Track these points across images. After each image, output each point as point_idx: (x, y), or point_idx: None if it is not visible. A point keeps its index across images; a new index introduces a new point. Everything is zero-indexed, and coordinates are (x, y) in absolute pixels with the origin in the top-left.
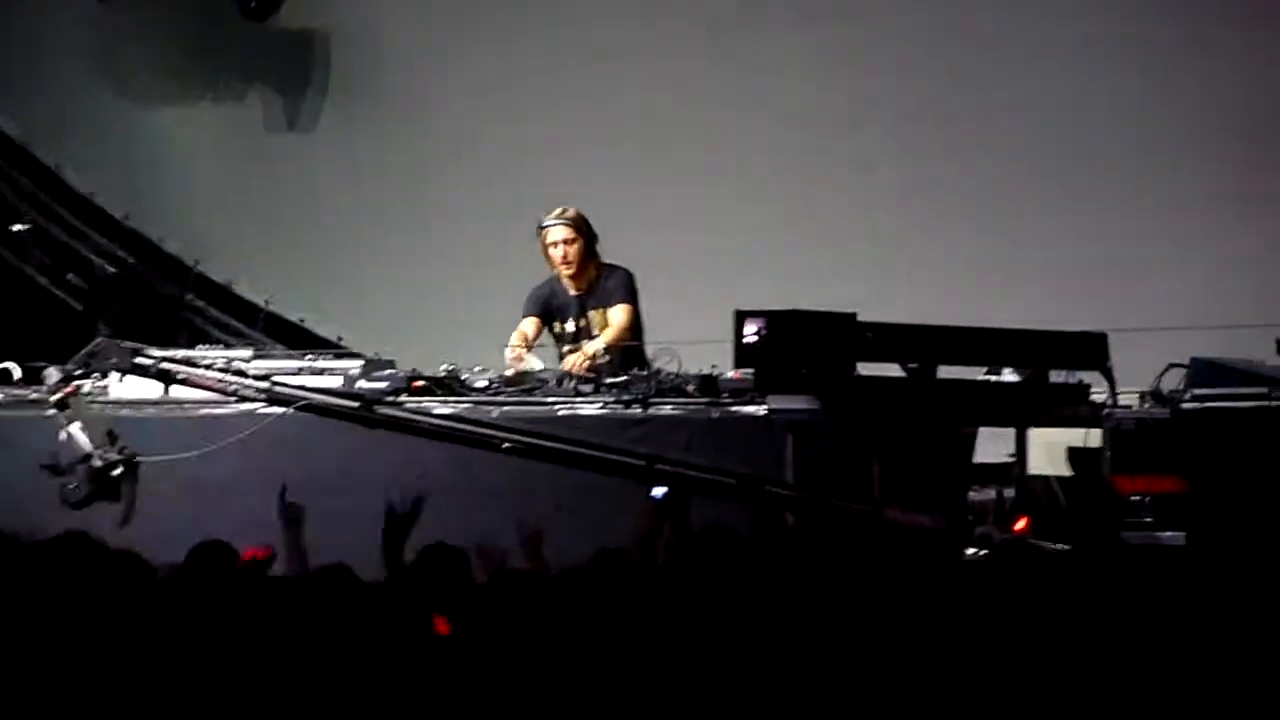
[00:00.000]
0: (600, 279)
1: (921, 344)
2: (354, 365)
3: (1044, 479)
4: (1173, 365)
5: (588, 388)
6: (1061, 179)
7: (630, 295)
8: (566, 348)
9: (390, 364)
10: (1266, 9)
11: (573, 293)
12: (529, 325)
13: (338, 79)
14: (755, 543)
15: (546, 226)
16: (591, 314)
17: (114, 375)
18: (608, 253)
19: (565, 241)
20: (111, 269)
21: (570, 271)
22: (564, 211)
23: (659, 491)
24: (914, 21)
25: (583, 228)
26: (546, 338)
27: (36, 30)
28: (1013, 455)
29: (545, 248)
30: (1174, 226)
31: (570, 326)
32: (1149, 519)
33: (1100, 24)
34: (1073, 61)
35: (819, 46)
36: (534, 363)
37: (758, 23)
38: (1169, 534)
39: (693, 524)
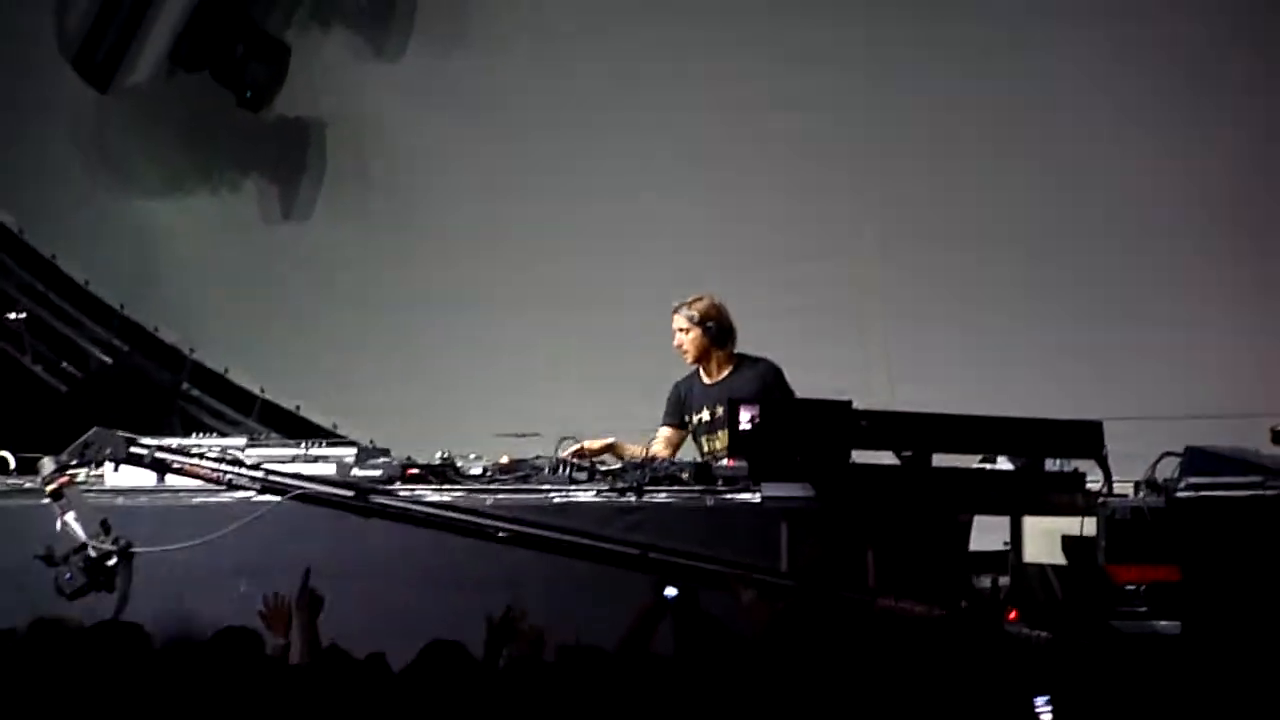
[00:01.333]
0: (737, 370)
1: (916, 432)
2: (348, 453)
3: (1039, 568)
4: (1167, 454)
5: (582, 475)
6: (1059, 266)
7: (770, 388)
8: (703, 436)
9: (384, 452)
10: (1264, 106)
11: (706, 382)
12: (662, 436)
13: (332, 168)
14: (750, 632)
15: (672, 313)
16: (732, 402)
17: (109, 465)
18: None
19: (680, 330)
20: (107, 358)
21: (688, 360)
22: (692, 301)
23: (671, 592)
24: (906, 117)
25: (703, 320)
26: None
27: (35, 121)
28: (1008, 544)
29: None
30: (1169, 315)
31: (705, 415)
32: (1144, 608)
33: (1103, 110)
34: (1070, 148)
35: (802, 132)
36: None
37: (744, 107)
38: (1164, 623)
39: (688, 613)
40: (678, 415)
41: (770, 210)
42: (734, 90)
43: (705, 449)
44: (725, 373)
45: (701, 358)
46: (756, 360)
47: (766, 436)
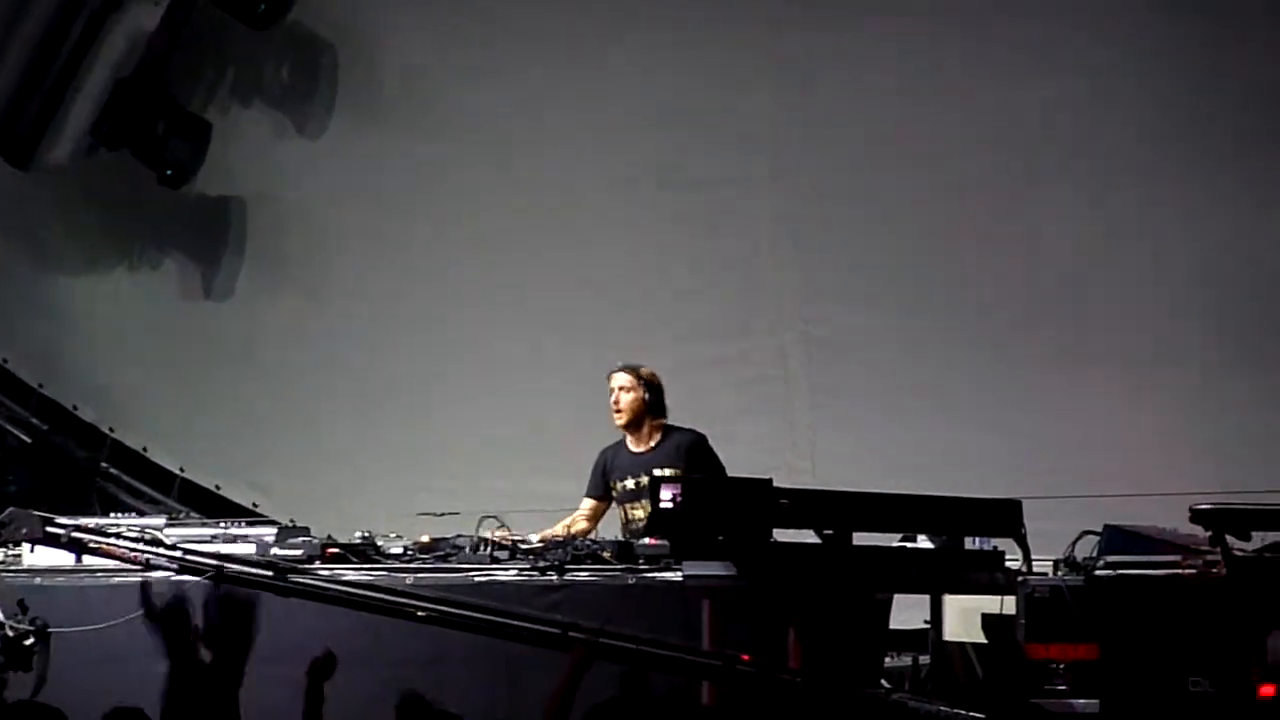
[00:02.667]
0: (665, 439)
1: (837, 510)
2: (268, 533)
3: (960, 646)
4: (1086, 533)
5: (503, 554)
6: (979, 344)
7: (697, 459)
8: (629, 503)
9: (304, 531)
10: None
11: (633, 449)
12: (585, 508)
13: (253, 247)
14: (671, 711)
15: (611, 372)
16: (656, 473)
17: (26, 544)
18: None
19: (622, 389)
20: (25, 437)
21: (621, 420)
22: (635, 365)
23: None
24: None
25: (644, 382)
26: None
27: None
28: (928, 622)
29: (610, 394)
30: (1087, 395)
31: (630, 484)
32: (1063, 686)
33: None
34: (989, 223)
35: (721, 206)
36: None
37: (662, 183)
38: (1083, 701)
39: (607, 693)
40: (602, 485)
41: (691, 287)
42: (653, 166)
43: (629, 516)
44: (654, 441)
45: (635, 422)
46: (685, 430)
47: (688, 514)
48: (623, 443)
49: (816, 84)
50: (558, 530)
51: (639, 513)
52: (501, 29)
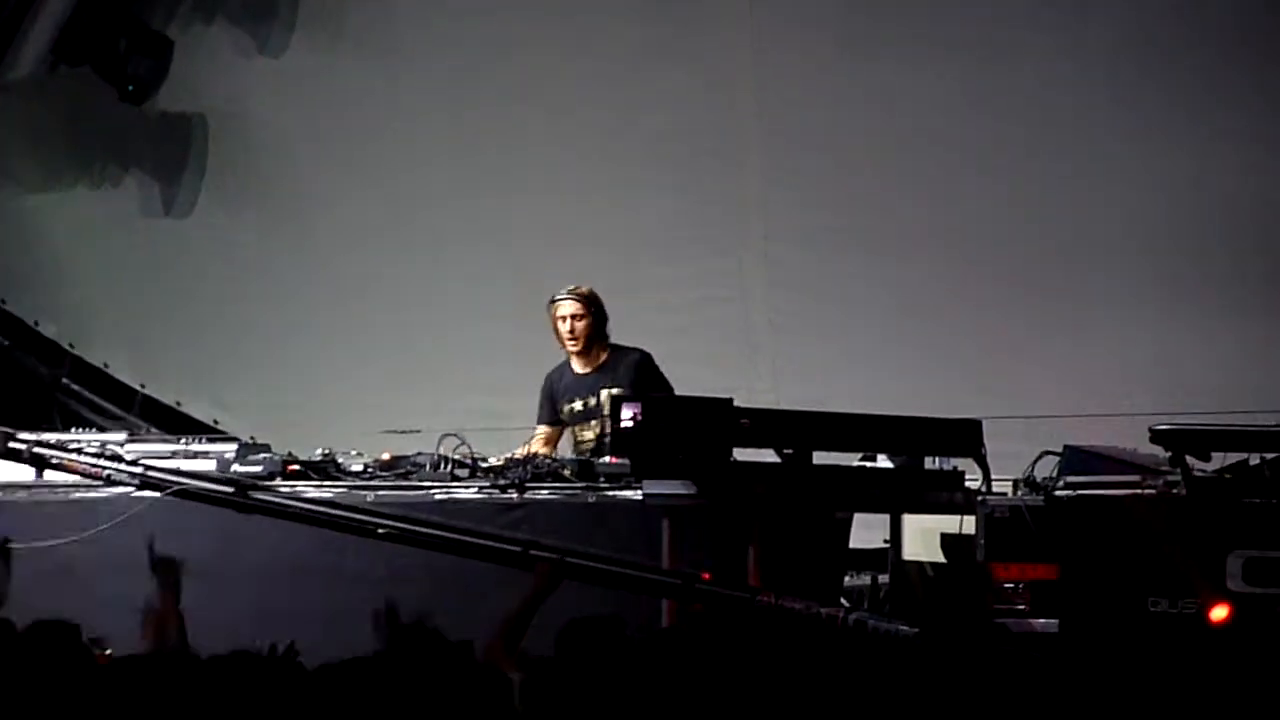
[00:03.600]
0: (611, 359)
1: (797, 430)
2: (229, 449)
3: (919, 565)
4: (1046, 453)
5: (464, 472)
6: (938, 264)
7: (644, 377)
8: (578, 425)
9: (265, 448)
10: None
11: (579, 371)
12: (540, 435)
13: (214, 164)
14: (631, 628)
15: (557, 300)
16: (603, 393)
17: None
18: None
19: (574, 316)
20: None
21: (576, 347)
22: (576, 288)
23: None
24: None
25: (593, 305)
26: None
27: None
28: (888, 541)
29: (554, 322)
30: (1048, 314)
31: (578, 405)
32: (1022, 606)
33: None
34: (948, 150)
35: (686, 128)
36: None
37: (628, 104)
38: (1042, 621)
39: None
40: (551, 410)
41: (654, 207)
42: (617, 86)
43: (578, 438)
44: (600, 360)
45: (589, 343)
46: (630, 350)
47: (648, 434)
48: (567, 364)
49: (791, 18)
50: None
51: (588, 434)
52: None
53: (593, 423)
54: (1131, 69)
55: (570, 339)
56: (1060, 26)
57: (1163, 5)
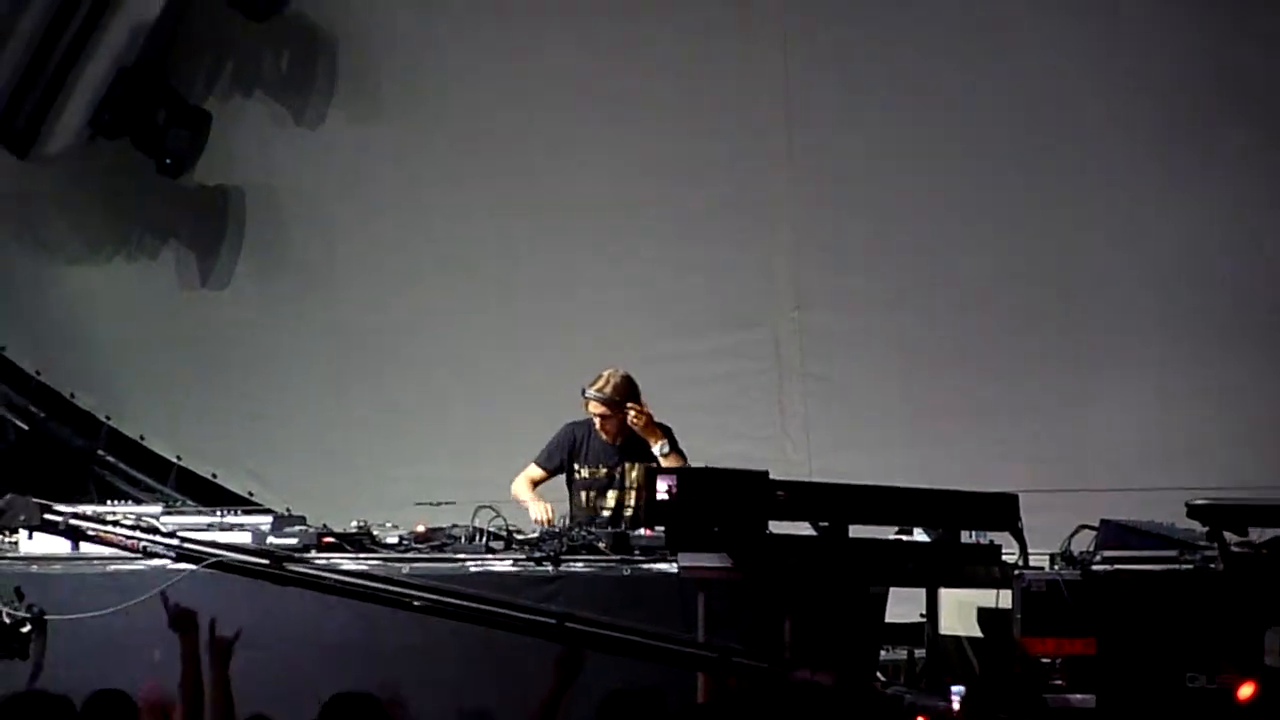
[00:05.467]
0: (638, 434)
1: (833, 503)
2: (264, 521)
3: (956, 640)
4: (1083, 527)
5: (498, 544)
6: (977, 338)
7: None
8: (593, 490)
9: (300, 520)
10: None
11: (606, 440)
12: (526, 475)
13: (250, 236)
14: (671, 700)
15: (586, 397)
16: (627, 465)
17: (23, 532)
18: None
19: (602, 418)
20: (23, 425)
21: (609, 439)
22: (604, 385)
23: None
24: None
25: (618, 404)
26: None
27: None
28: (924, 615)
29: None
30: (1087, 389)
31: (602, 472)
32: (1059, 681)
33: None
34: (988, 219)
35: (720, 201)
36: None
37: (663, 175)
38: (1079, 696)
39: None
40: (560, 461)
41: (690, 281)
42: (649, 159)
43: (586, 503)
44: (629, 434)
45: (621, 433)
46: (657, 425)
47: (684, 507)
48: (594, 426)
49: (818, 82)
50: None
51: (607, 502)
52: (501, 22)
53: (609, 494)
54: (1184, 152)
55: (605, 432)
56: (1112, 108)
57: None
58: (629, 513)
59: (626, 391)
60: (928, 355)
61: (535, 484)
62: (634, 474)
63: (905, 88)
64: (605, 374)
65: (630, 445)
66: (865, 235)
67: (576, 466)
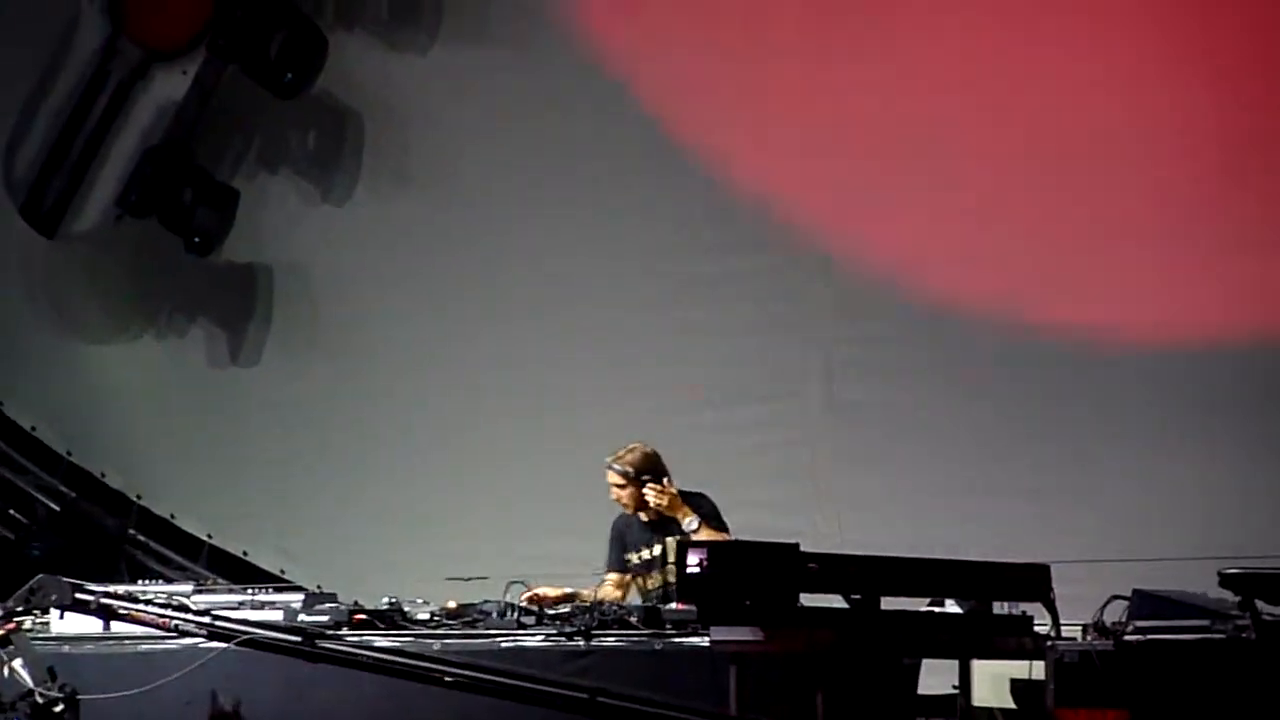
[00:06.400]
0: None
1: (864, 575)
2: (296, 599)
3: (988, 712)
4: (1115, 597)
5: (530, 620)
6: (1006, 407)
7: (709, 520)
8: (641, 575)
9: (331, 597)
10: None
11: (644, 519)
12: (609, 581)
13: (280, 312)
14: None
15: (606, 466)
16: (668, 540)
17: (55, 611)
18: None
19: (617, 486)
20: (53, 505)
21: (629, 511)
22: (623, 455)
23: None
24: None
25: (638, 474)
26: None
27: None
28: (956, 687)
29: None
30: (1117, 459)
31: (644, 555)
32: None
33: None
34: (1018, 286)
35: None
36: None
37: (690, 250)
38: None
39: None
40: (620, 557)
41: (718, 352)
42: (678, 236)
43: (645, 586)
44: (662, 509)
45: (640, 507)
46: (693, 495)
47: (714, 580)
48: (629, 513)
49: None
50: (586, 595)
51: (652, 584)
52: (528, 100)
53: (654, 574)
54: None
55: (620, 503)
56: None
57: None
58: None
59: (646, 466)
60: (959, 427)
61: (618, 586)
62: (671, 550)
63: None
64: (629, 447)
65: (664, 523)
66: (898, 307)
67: (628, 557)
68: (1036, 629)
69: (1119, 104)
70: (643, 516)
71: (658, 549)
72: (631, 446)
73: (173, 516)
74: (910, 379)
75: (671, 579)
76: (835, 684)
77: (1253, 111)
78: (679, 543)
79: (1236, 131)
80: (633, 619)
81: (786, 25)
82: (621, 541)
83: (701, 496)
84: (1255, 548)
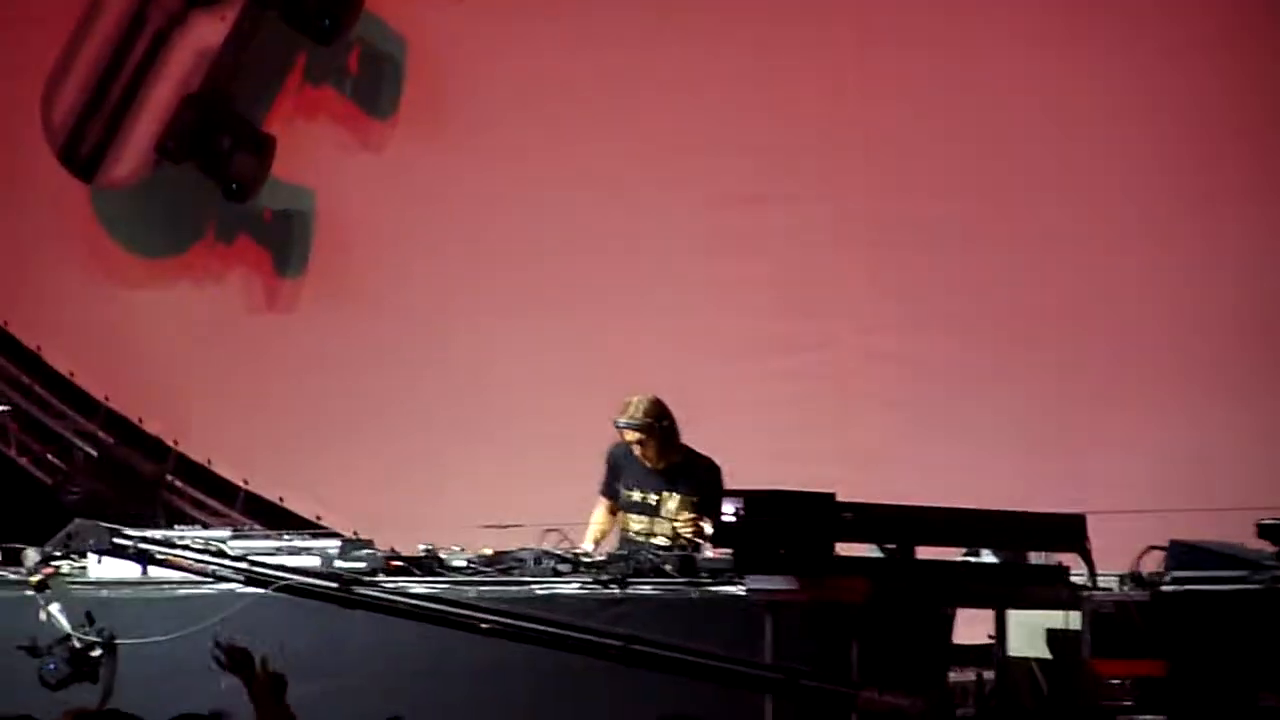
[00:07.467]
0: (682, 462)
1: (900, 525)
2: (332, 545)
3: (1024, 661)
4: (1152, 547)
5: (566, 567)
6: (1043, 355)
7: (710, 490)
8: (633, 514)
9: (368, 543)
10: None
11: (649, 466)
12: (603, 509)
13: (316, 259)
14: None
15: (620, 428)
16: (665, 494)
17: (92, 556)
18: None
19: (639, 443)
20: (91, 450)
21: (650, 465)
22: (634, 411)
23: None
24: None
25: (653, 425)
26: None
27: (19, 212)
28: (992, 637)
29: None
30: (1154, 407)
31: (637, 496)
32: (1129, 702)
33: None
34: (1054, 235)
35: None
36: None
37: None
38: (1149, 718)
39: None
40: (613, 485)
41: (752, 302)
42: (714, 184)
43: (632, 527)
44: (671, 460)
45: (661, 456)
46: (701, 457)
47: (751, 529)
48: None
49: (879, 98)
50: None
51: (638, 526)
52: (569, 46)
53: (654, 520)
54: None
55: (644, 459)
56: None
57: None
58: (657, 541)
59: (657, 411)
60: (993, 377)
61: (613, 512)
62: (670, 505)
63: (977, 123)
64: (632, 400)
65: (673, 472)
66: (931, 259)
67: (622, 489)
68: (1072, 579)
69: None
70: (648, 464)
71: (653, 497)
72: (631, 400)
73: (209, 462)
74: (944, 332)
75: (655, 530)
76: (870, 633)
77: None
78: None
79: None
80: (668, 567)
81: None
82: (616, 470)
83: (711, 466)
84: None
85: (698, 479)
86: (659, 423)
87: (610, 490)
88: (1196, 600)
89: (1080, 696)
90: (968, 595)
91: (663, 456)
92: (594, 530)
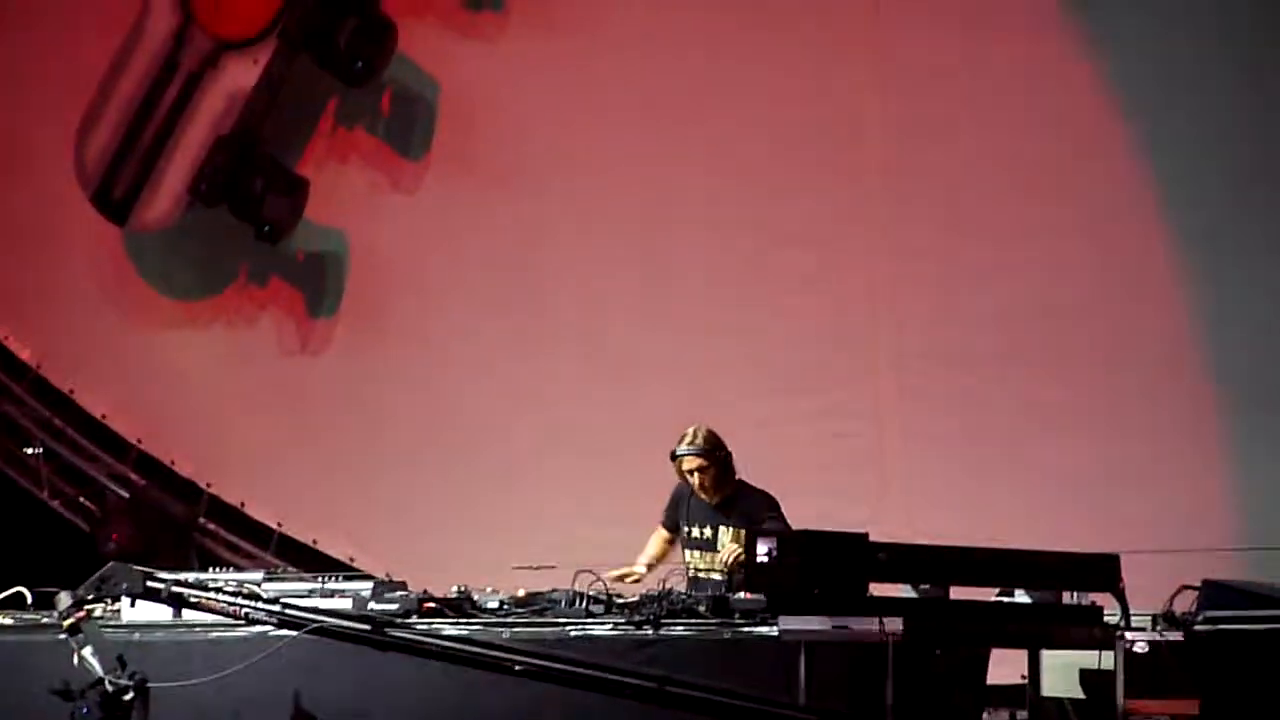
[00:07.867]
0: (738, 496)
1: (934, 565)
2: (365, 587)
3: (1058, 702)
4: (1185, 587)
5: (599, 608)
6: (1080, 395)
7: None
8: (693, 552)
9: (401, 585)
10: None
11: (705, 500)
12: (660, 537)
13: (349, 301)
14: None
15: (679, 456)
16: (722, 529)
17: (125, 599)
18: None
19: (700, 470)
20: (123, 493)
21: (709, 498)
22: (693, 439)
23: None
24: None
25: (713, 453)
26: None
27: (54, 255)
28: (1025, 677)
29: (681, 474)
30: (1186, 447)
31: (697, 533)
32: None
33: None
34: (1087, 269)
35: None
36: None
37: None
38: None
39: None
40: (674, 518)
41: (785, 341)
42: (746, 221)
43: (691, 564)
44: (726, 494)
45: (718, 488)
46: (756, 491)
47: (784, 569)
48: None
49: (908, 132)
50: (639, 570)
51: (714, 564)
52: (599, 88)
53: (705, 554)
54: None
55: (702, 490)
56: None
57: None
58: (716, 577)
59: (715, 441)
60: (1027, 415)
61: (667, 542)
62: (725, 538)
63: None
64: (689, 431)
65: (727, 505)
66: (967, 293)
67: (683, 526)
68: (1106, 619)
69: None
70: (704, 497)
71: (709, 531)
72: (688, 430)
73: (243, 505)
74: (980, 368)
75: (714, 566)
76: (904, 674)
77: None
78: (747, 532)
79: None
80: (701, 608)
81: None
82: (678, 505)
83: (766, 496)
84: None
85: (752, 510)
86: (716, 451)
87: (670, 521)
88: (1230, 640)
89: None
90: (1002, 635)
91: (719, 489)
92: (647, 555)
